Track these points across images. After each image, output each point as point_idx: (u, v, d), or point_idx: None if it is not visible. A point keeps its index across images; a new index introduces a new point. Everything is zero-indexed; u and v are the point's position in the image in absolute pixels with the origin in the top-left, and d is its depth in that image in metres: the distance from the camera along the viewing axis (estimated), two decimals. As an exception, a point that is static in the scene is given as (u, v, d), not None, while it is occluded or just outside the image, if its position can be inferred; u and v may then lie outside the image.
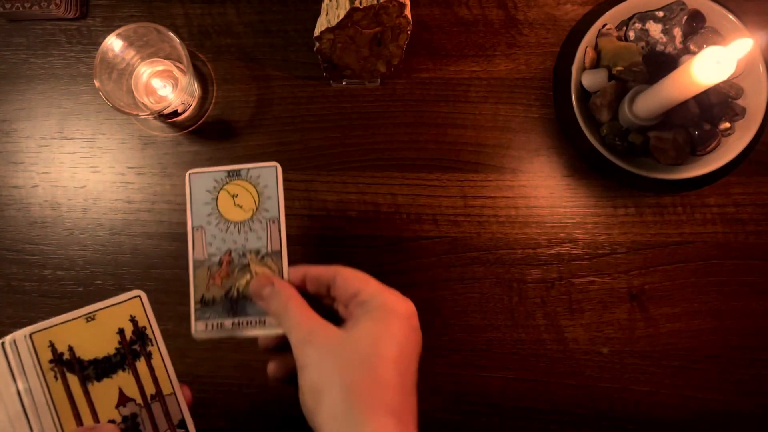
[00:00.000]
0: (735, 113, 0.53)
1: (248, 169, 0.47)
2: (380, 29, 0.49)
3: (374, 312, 0.38)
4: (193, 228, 0.46)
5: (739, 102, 0.53)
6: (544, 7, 0.57)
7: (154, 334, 0.40)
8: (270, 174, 0.47)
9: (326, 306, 0.42)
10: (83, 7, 0.58)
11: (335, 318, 0.41)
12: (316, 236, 0.56)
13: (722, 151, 0.53)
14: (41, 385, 0.36)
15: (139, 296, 0.40)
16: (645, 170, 0.52)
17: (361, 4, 0.45)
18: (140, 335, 0.40)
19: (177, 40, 0.51)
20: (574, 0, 0.57)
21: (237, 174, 0.47)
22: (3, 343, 0.36)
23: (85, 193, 0.58)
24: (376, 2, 0.44)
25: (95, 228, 0.57)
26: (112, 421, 0.38)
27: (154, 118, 0.57)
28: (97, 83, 0.51)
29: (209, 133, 0.58)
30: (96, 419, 0.37)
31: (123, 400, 0.38)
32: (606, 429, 0.55)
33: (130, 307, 0.40)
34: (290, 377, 0.41)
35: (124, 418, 0.38)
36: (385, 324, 0.38)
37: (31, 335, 0.36)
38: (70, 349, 0.38)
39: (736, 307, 0.55)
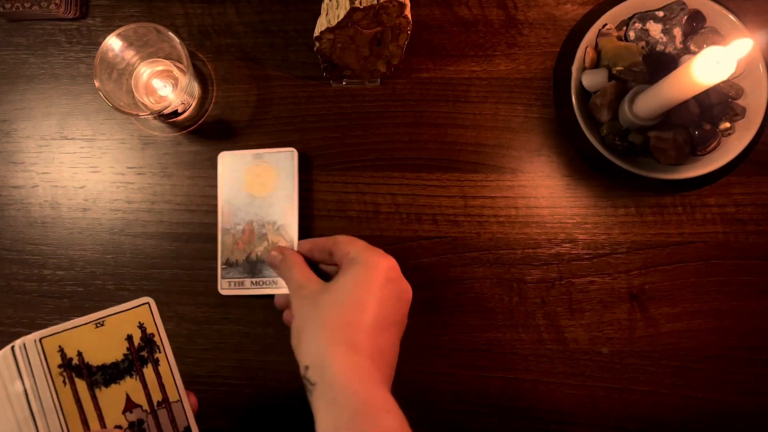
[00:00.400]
0: (735, 113, 0.53)
1: (270, 153, 0.55)
2: (380, 29, 0.49)
3: (355, 266, 0.45)
4: (222, 201, 0.55)
5: (739, 102, 0.53)
6: (544, 7, 0.57)
7: (161, 341, 0.41)
8: (287, 158, 0.55)
9: (332, 273, 0.51)
10: (83, 7, 0.58)
11: None
12: (316, 236, 0.56)
13: (722, 151, 0.53)
14: (49, 389, 0.36)
15: (148, 303, 0.41)
16: (645, 170, 0.52)
17: (361, 4, 0.45)
18: (148, 342, 0.40)
19: (177, 40, 0.51)
20: (574, 0, 0.57)
21: (260, 157, 0.55)
22: (13, 347, 0.36)
23: (85, 193, 0.58)
24: (376, 2, 0.44)
25: (95, 228, 0.57)
26: (118, 427, 0.38)
27: (154, 118, 0.57)
28: (97, 83, 0.51)
29: (209, 133, 0.58)
30: (103, 424, 0.38)
31: (130, 405, 0.39)
32: (606, 429, 0.55)
33: (139, 313, 0.40)
34: None
35: (131, 424, 0.39)
36: (362, 275, 0.44)
37: (40, 340, 0.36)
38: (79, 354, 0.38)
39: (736, 307, 0.55)
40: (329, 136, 0.57)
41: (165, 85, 0.56)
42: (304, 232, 0.56)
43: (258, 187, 0.55)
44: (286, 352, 0.56)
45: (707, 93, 0.51)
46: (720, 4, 0.53)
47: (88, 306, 0.57)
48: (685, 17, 0.54)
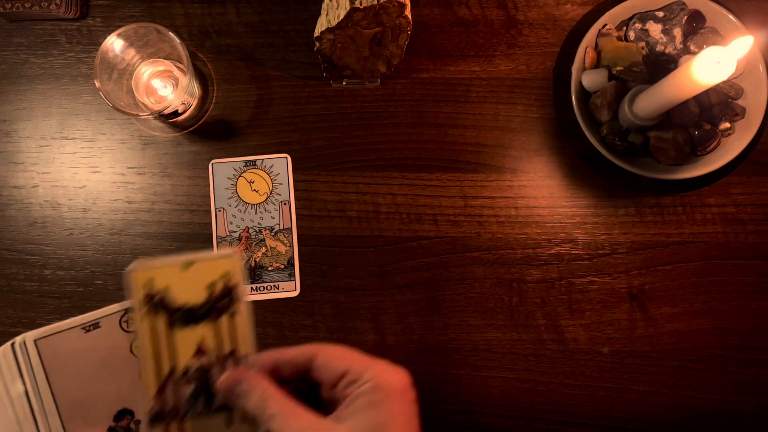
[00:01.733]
0: (735, 113, 0.53)
1: (263, 160, 0.56)
2: (380, 29, 0.49)
3: (369, 395, 0.34)
4: (216, 209, 0.56)
5: (739, 102, 0.53)
6: (544, 7, 0.57)
7: (240, 295, 0.40)
8: (281, 164, 0.56)
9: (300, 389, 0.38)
10: (83, 7, 0.58)
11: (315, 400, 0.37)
12: (316, 236, 0.56)
13: (722, 151, 0.53)
14: (138, 321, 0.35)
15: (234, 255, 0.40)
16: (645, 170, 0.52)
17: (361, 4, 0.45)
18: (228, 293, 0.39)
19: (177, 40, 0.51)
20: (574, 0, 0.58)
21: (253, 164, 0.56)
22: (13, 344, 0.36)
23: (86, 193, 0.58)
24: (376, 2, 0.44)
25: (95, 228, 0.57)
26: (185, 369, 0.37)
27: (155, 118, 0.57)
28: (97, 83, 0.51)
29: (209, 133, 0.58)
30: (174, 363, 0.38)
31: (200, 351, 0.39)
32: (606, 429, 0.55)
33: (225, 264, 0.40)
34: None
35: (198, 368, 0.39)
36: (384, 409, 0.34)
37: (137, 271, 0.36)
38: (164, 292, 0.38)
39: (736, 307, 0.55)
40: (329, 136, 0.57)
41: (165, 85, 0.56)
42: (304, 233, 0.56)
43: (252, 193, 0.56)
44: (286, 352, 0.56)
45: (707, 93, 0.51)
46: (720, 4, 0.53)
47: (89, 306, 0.56)
48: (685, 17, 0.54)
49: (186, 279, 0.39)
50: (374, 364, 0.35)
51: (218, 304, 0.39)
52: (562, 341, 0.55)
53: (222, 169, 0.56)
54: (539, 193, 0.56)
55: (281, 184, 0.56)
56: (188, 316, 0.39)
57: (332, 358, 0.36)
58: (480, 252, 0.56)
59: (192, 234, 0.57)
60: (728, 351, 0.55)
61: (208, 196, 0.57)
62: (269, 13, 0.58)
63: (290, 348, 0.38)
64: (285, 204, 0.56)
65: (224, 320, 0.39)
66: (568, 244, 0.56)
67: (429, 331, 0.56)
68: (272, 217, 0.56)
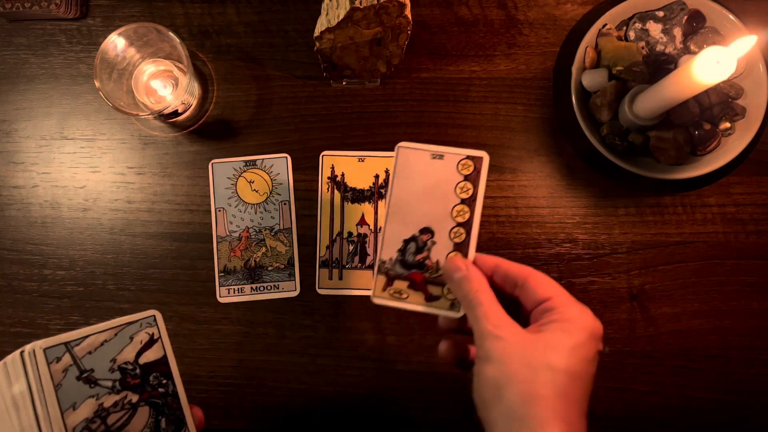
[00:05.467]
0: (735, 113, 0.53)
1: (263, 160, 0.56)
2: (380, 29, 0.49)
3: (565, 323, 0.37)
4: (216, 209, 0.56)
5: (739, 102, 0.53)
6: (544, 7, 0.57)
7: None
8: (281, 163, 0.56)
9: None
10: (83, 7, 0.58)
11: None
12: (316, 237, 0.56)
13: (722, 151, 0.53)
14: (320, 197, 0.52)
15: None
16: (645, 170, 0.52)
17: (361, 4, 0.45)
18: (387, 183, 0.52)
19: (177, 39, 0.51)
20: (574, 0, 0.57)
21: (253, 163, 0.56)
22: (22, 352, 0.36)
23: (86, 193, 0.58)
24: (376, 2, 0.44)
25: (95, 228, 0.57)
26: (349, 233, 0.54)
27: (155, 118, 0.57)
28: (97, 83, 0.51)
29: (209, 133, 0.58)
30: (344, 228, 0.54)
31: (362, 222, 0.54)
32: (606, 429, 0.55)
33: (388, 162, 0.55)
34: (459, 362, 0.43)
35: (359, 235, 0.54)
36: (576, 339, 0.37)
37: (325, 156, 0.55)
38: (342, 175, 0.54)
39: (736, 307, 0.55)
40: (329, 136, 0.57)
41: (165, 85, 0.56)
42: (305, 233, 0.56)
43: (252, 193, 0.56)
44: (285, 352, 0.56)
45: (707, 93, 0.51)
46: (720, 4, 0.53)
47: (89, 306, 0.57)
48: (685, 17, 0.54)
49: (359, 168, 0.55)
50: (577, 304, 0.39)
51: (379, 190, 0.53)
52: (562, 341, 0.55)
53: (222, 168, 0.57)
54: (539, 193, 0.56)
55: (281, 184, 0.56)
56: (356, 196, 0.54)
57: (541, 283, 0.40)
58: (480, 252, 0.56)
59: (192, 234, 0.57)
60: (728, 351, 0.55)
61: (208, 196, 0.57)
62: (269, 13, 0.58)
63: (511, 261, 0.42)
64: (285, 204, 0.56)
65: (380, 205, 0.54)
66: (568, 244, 0.56)
67: (429, 331, 0.56)
68: (272, 217, 0.56)
